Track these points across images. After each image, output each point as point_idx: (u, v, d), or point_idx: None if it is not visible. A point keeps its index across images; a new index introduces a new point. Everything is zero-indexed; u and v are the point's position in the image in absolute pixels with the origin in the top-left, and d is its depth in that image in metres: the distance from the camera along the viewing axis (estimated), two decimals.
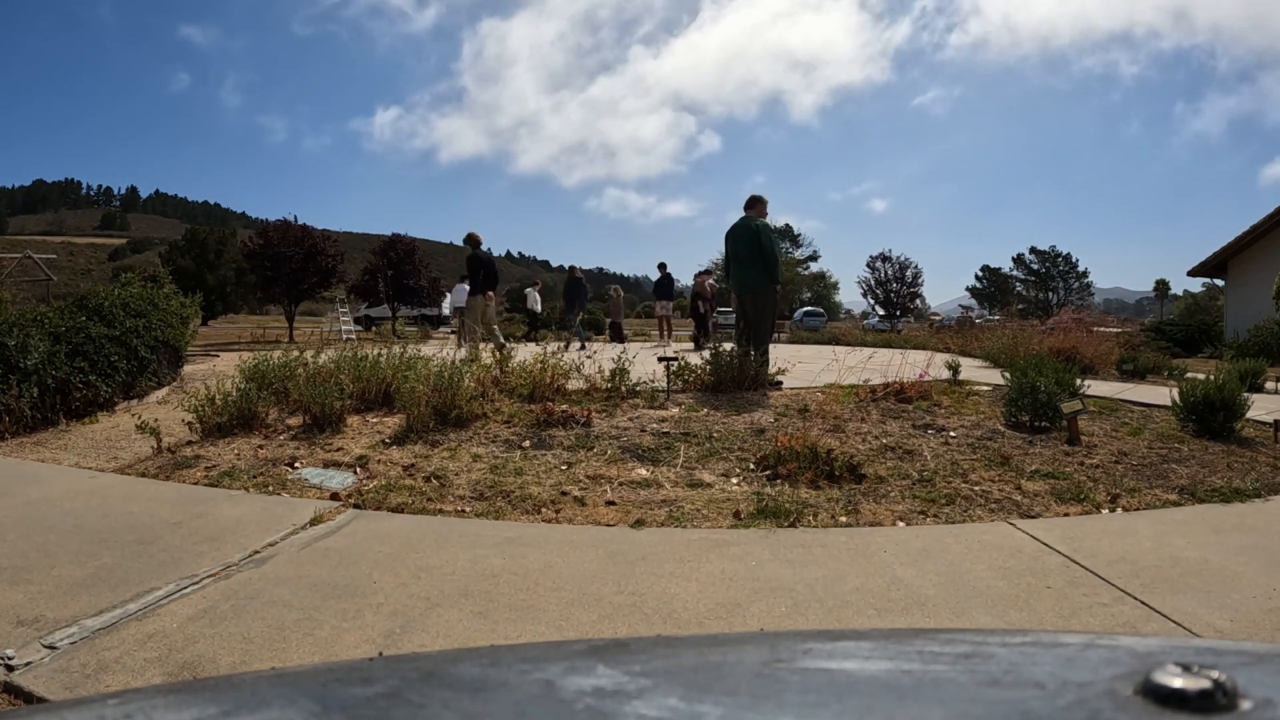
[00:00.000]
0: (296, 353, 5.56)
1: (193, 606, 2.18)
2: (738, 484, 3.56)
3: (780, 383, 5.98)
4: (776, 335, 8.70)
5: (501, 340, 8.50)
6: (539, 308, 18.46)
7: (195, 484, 3.65)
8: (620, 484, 3.54)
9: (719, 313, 18.19)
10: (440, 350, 5.96)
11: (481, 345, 6.88)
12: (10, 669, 1.81)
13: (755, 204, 6.58)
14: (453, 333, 9.80)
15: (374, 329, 22.07)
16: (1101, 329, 11.20)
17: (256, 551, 2.66)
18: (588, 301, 16.21)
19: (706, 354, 5.93)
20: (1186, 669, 0.33)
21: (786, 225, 53.40)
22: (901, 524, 3.07)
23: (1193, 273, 19.17)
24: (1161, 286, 72.17)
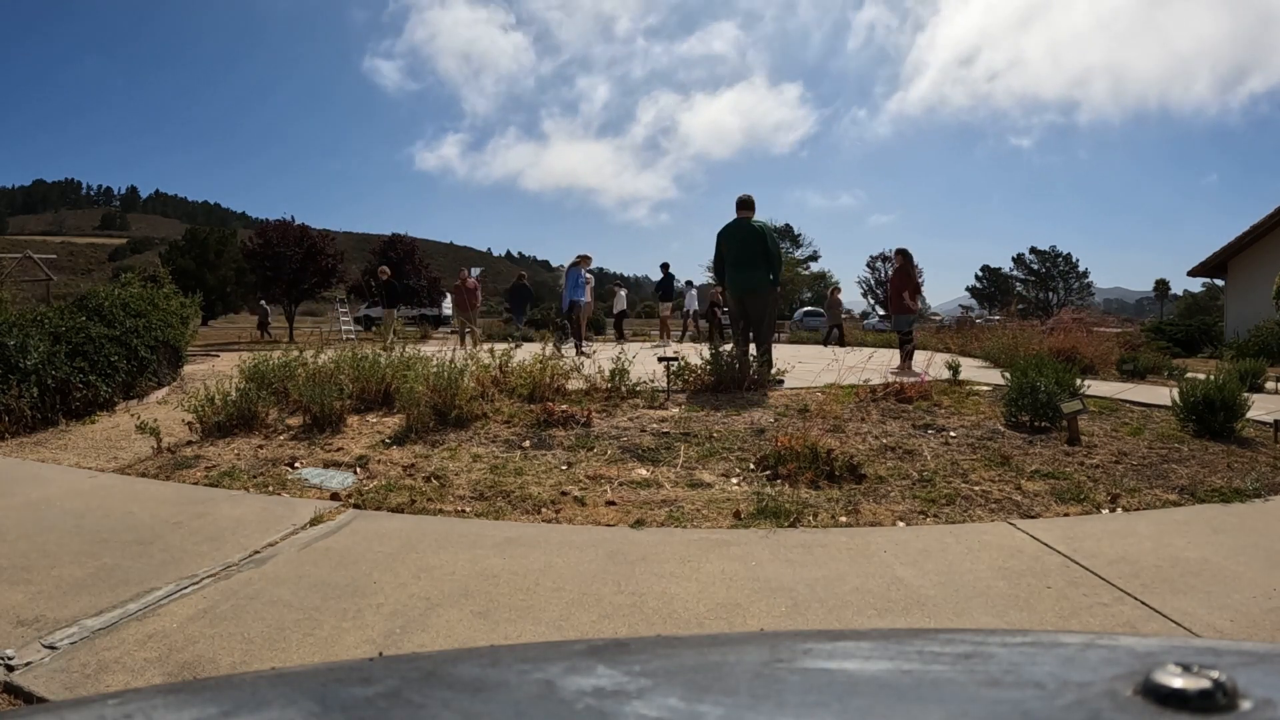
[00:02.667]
0: (296, 353, 5.56)
1: (193, 606, 2.18)
2: (738, 484, 3.56)
3: (782, 382, 5.98)
4: (777, 335, 8.83)
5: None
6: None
7: (195, 484, 3.65)
8: (620, 484, 3.54)
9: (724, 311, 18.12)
10: (440, 350, 5.95)
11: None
12: (10, 669, 1.81)
13: (749, 205, 6.44)
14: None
15: (374, 329, 22.08)
16: (1101, 329, 11.19)
17: (256, 551, 2.66)
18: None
19: (706, 353, 5.92)
20: (1186, 669, 0.33)
21: (787, 225, 53.47)
22: (901, 524, 3.06)
23: (1193, 273, 19.19)
24: (1161, 286, 72.27)
